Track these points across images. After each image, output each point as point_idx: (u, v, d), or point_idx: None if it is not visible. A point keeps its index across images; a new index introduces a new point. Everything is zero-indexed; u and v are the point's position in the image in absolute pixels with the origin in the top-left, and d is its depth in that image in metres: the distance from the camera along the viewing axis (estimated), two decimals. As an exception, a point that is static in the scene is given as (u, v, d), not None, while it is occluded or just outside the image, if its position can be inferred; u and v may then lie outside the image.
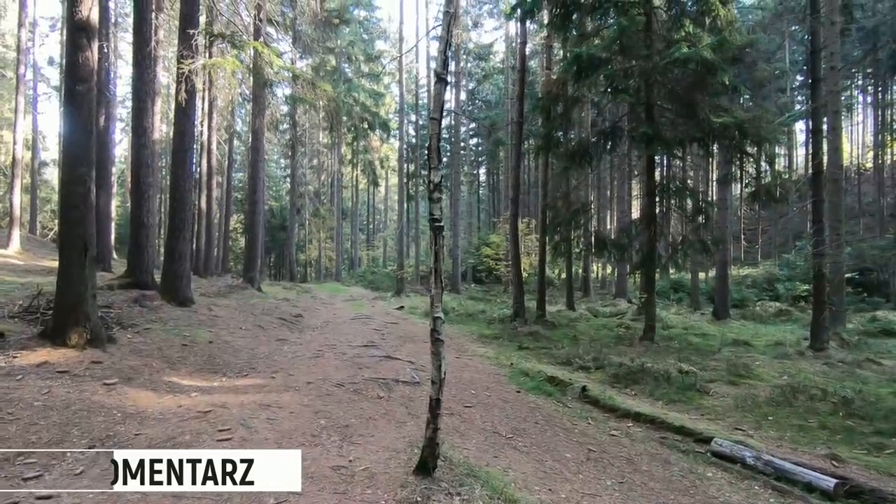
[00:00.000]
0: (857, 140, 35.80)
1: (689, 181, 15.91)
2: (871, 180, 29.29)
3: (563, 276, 19.68)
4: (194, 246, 18.14)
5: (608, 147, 11.52)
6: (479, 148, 41.69)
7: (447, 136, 32.43)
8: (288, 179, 34.99)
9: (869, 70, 27.01)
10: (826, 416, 5.36)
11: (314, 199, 33.85)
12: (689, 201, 10.93)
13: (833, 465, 4.14)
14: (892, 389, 6.39)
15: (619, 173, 23.93)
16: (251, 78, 12.35)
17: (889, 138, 26.66)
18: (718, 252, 13.50)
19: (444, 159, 31.40)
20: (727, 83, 9.14)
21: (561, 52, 14.43)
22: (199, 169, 19.83)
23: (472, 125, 38.79)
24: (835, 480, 3.65)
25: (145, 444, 3.45)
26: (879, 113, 29.30)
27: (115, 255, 18.19)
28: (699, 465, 4.17)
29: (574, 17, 10.96)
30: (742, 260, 28.18)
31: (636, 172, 21.27)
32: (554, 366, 7.82)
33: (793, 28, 24.12)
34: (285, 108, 26.97)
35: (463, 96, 33.07)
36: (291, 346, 7.96)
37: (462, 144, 35.67)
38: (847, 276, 13.12)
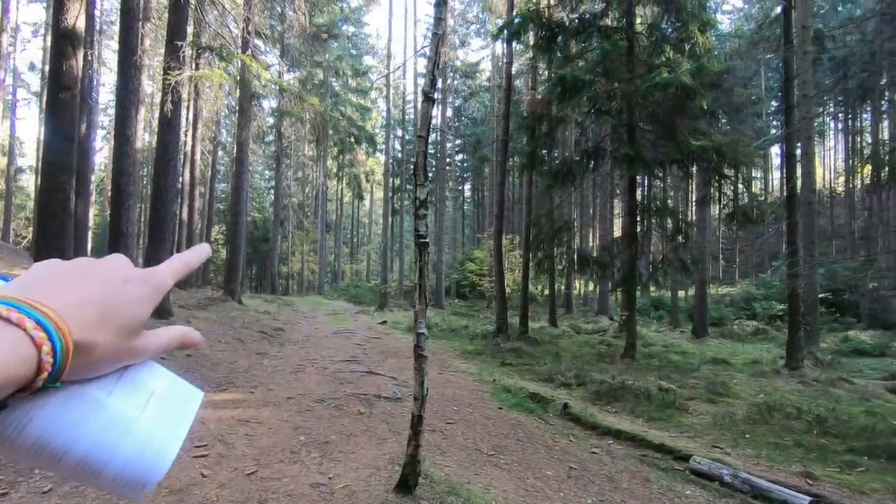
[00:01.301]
0: (829, 164, 37.07)
1: (669, 201, 16.26)
2: (842, 203, 30.29)
3: (546, 292, 19.83)
4: (174, 257, 17.83)
5: (591, 166, 11.73)
6: (465, 164, 42.07)
7: (433, 151, 32.62)
8: (272, 191, 34.79)
9: (840, 98, 28.11)
10: (801, 435, 5.46)
11: (298, 211, 33.68)
12: (669, 221, 11.16)
13: (807, 482, 4.21)
14: (864, 408, 6.55)
15: (602, 192, 24.34)
16: (238, 90, 12.33)
17: (859, 164, 27.67)
18: (697, 271, 13.77)
19: (430, 175, 31.58)
20: (705, 107, 9.44)
21: (546, 72, 14.75)
22: (181, 179, 19.61)
23: (458, 141, 39.18)
24: (809, 498, 3.72)
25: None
26: (850, 139, 30.45)
27: (91, 265, 17.81)
28: (678, 483, 4.20)
29: (559, 39, 11.23)
30: (720, 279, 28.74)
31: (618, 192, 21.67)
32: (536, 382, 7.83)
33: (768, 56, 25.02)
34: (271, 121, 26.97)
35: (449, 113, 33.48)
36: (272, 361, 7.84)
37: (448, 160, 35.94)
38: (820, 296, 13.46)
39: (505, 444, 4.78)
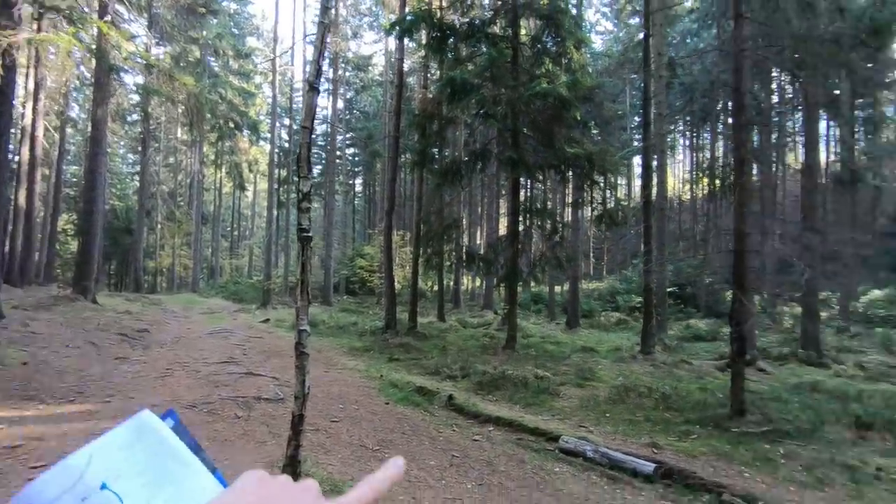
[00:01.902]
0: (679, 175, 42.61)
1: (548, 203, 17.52)
2: (688, 210, 35.01)
3: (436, 288, 20.26)
4: (7, 248, 15.20)
5: (479, 167, 12.22)
6: (356, 158, 41.28)
7: (323, 143, 31.59)
8: (137, 177, 31.13)
9: (687, 118, 32.45)
10: (650, 411, 6.25)
11: (168, 200, 30.47)
12: (548, 221, 12.03)
13: (653, 451, 4.84)
14: (699, 385, 7.67)
15: (489, 192, 25.45)
16: (93, 60, 10.79)
17: (700, 175, 32.22)
18: (571, 268, 15.02)
19: (319, 168, 30.49)
20: (579, 118, 10.32)
21: (437, 72, 15.02)
22: (18, 158, 16.73)
23: (350, 135, 38.35)
24: (653, 465, 4.28)
25: (-77, 493, 2.80)
26: (694, 154, 35.32)
27: None
28: (549, 462, 4.58)
29: (450, 41, 11.52)
30: (591, 275, 31.59)
31: (503, 193, 22.83)
32: (423, 376, 7.99)
33: (632, 76, 28.08)
34: (136, 98, 24.09)
35: (340, 105, 32.55)
36: (133, 366, 7.05)
37: (338, 154, 34.99)
38: (669, 290, 15.46)
39: (390, 439, 4.83)
